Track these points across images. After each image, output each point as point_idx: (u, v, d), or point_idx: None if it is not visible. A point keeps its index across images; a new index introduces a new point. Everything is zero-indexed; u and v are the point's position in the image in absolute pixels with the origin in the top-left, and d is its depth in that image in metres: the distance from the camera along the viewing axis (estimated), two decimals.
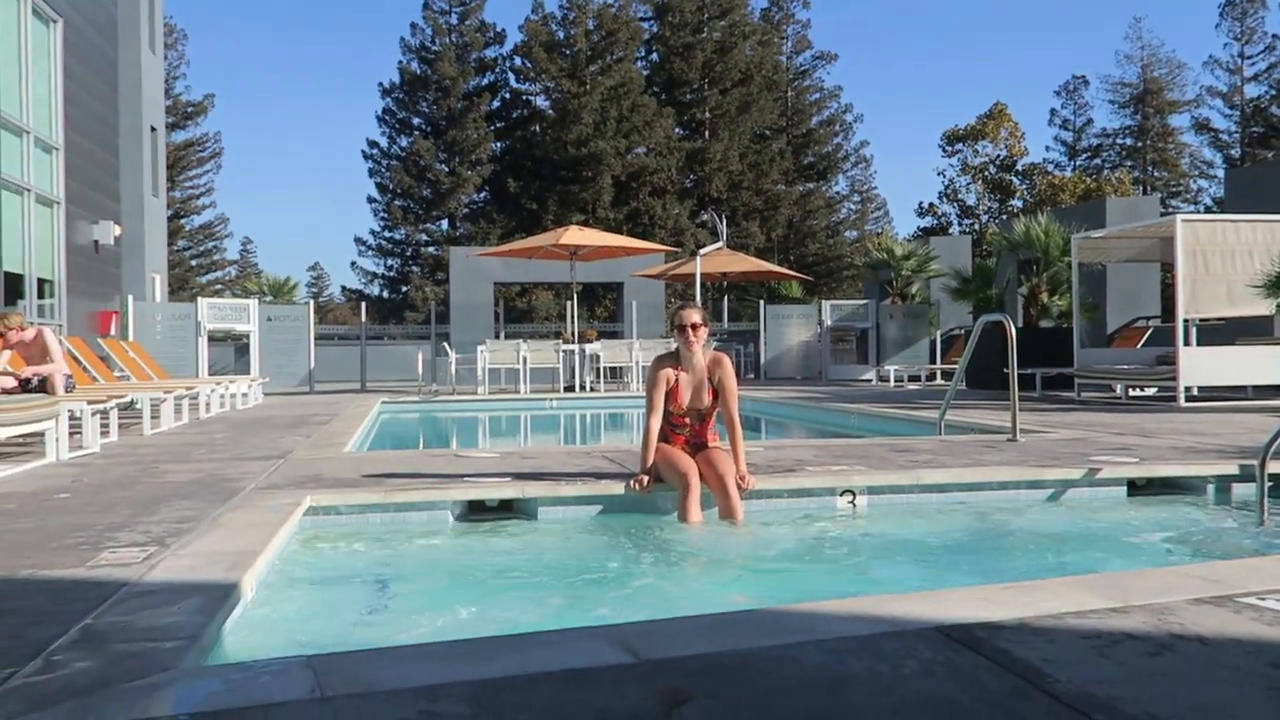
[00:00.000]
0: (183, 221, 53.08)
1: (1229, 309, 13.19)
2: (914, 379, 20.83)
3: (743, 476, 5.26)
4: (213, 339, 18.30)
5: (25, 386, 8.46)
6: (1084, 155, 62.06)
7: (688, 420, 5.53)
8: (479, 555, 4.80)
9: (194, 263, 54.62)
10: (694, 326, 5.43)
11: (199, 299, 18.12)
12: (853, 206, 58.51)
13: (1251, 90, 57.54)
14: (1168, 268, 18.98)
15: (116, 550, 3.84)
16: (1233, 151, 57.89)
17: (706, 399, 5.50)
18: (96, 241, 16.40)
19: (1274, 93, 56.68)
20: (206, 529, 4.28)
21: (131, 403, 9.69)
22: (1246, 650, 2.48)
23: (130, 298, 17.66)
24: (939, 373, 21.00)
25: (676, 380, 5.51)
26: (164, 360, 15.67)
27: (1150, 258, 16.98)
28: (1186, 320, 13.14)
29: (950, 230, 58.32)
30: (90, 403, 7.80)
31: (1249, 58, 57.46)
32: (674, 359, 5.55)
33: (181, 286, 49.40)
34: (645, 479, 5.32)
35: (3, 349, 8.69)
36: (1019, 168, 59.90)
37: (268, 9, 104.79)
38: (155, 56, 25.88)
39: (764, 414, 14.33)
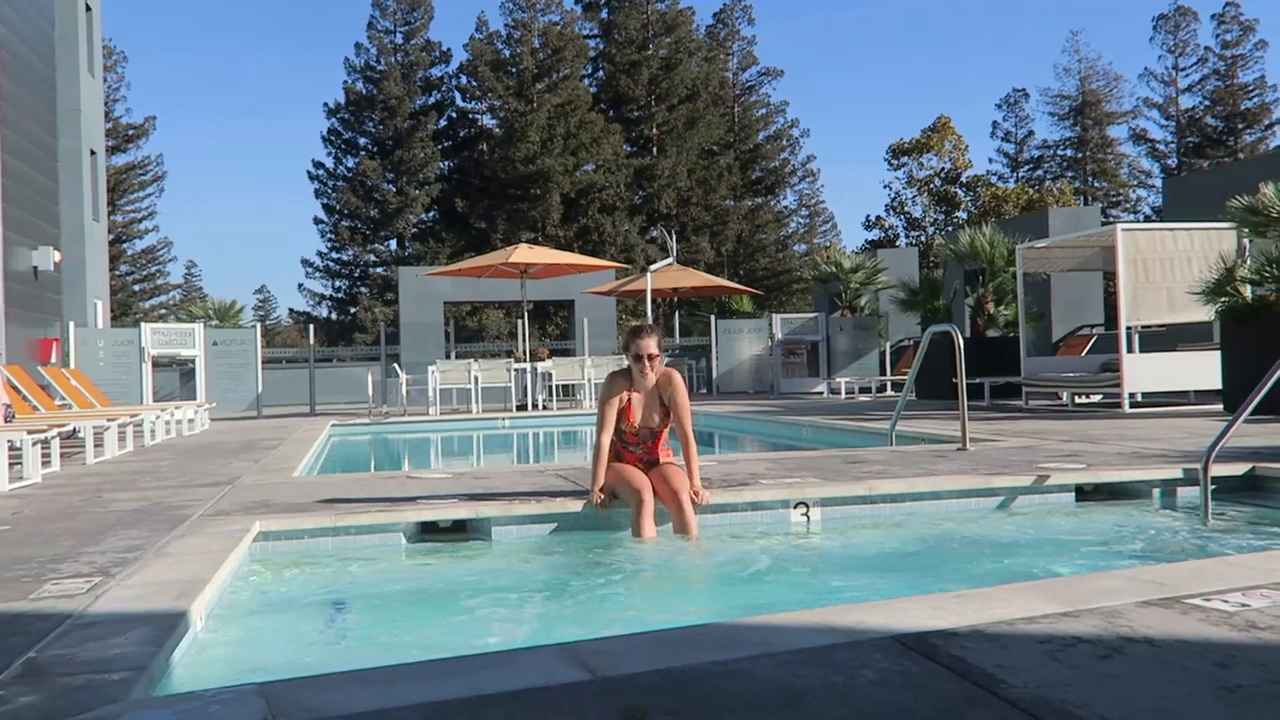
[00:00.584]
0: (125, 246, 52.30)
1: (1170, 316, 13.45)
2: (865, 390, 21.00)
3: (696, 491, 5.24)
4: (157, 364, 18.03)
5: None
6: (1026, 166, 63.14)
7: (639, 438, 5.50)
8: (432, 577, 4.76)
9: (137, 288, 53.82)
10: (650, 358, 5.38)
11: (142, 324, 17.84)
12: (801, 220, 59.06)
13: (1186, 101, 58.97)
14: (1110, 276, 19.31)
15: (60, 581, 3.76)
16: (1170, 161, 59.20)
17: (657, 418, 5.48)
18: (35, 268, 16.09)
19: (1208, 103, 58.06)
20: (153, 558, 4.21)
21: (74, 431, 9.51)
22: (1194, 651, 2.52)
23: (71, 324, 17.34)
24: (889, 384, 21.19)
25: (629, 400, 5.46)
26: (107, 387, 15.39)
27: (1093, 266, 17.28)
28: (1129, 327, 13.38)
29: (897, 242, 59.02)
30: (30, 432, 7.64)
31: (1183, 69, 58.89)
32: (628, 377, 5.49)
33: (124, 312, 48.63)
34: (600, 495, 5.28)
35: None
36: (963, 180, 60.79)
37: (209, 31, 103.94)
38: (94, 79, 25.52)
39: (717, 428, 14.36)
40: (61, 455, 8.86)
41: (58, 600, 3.45)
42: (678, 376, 5.52)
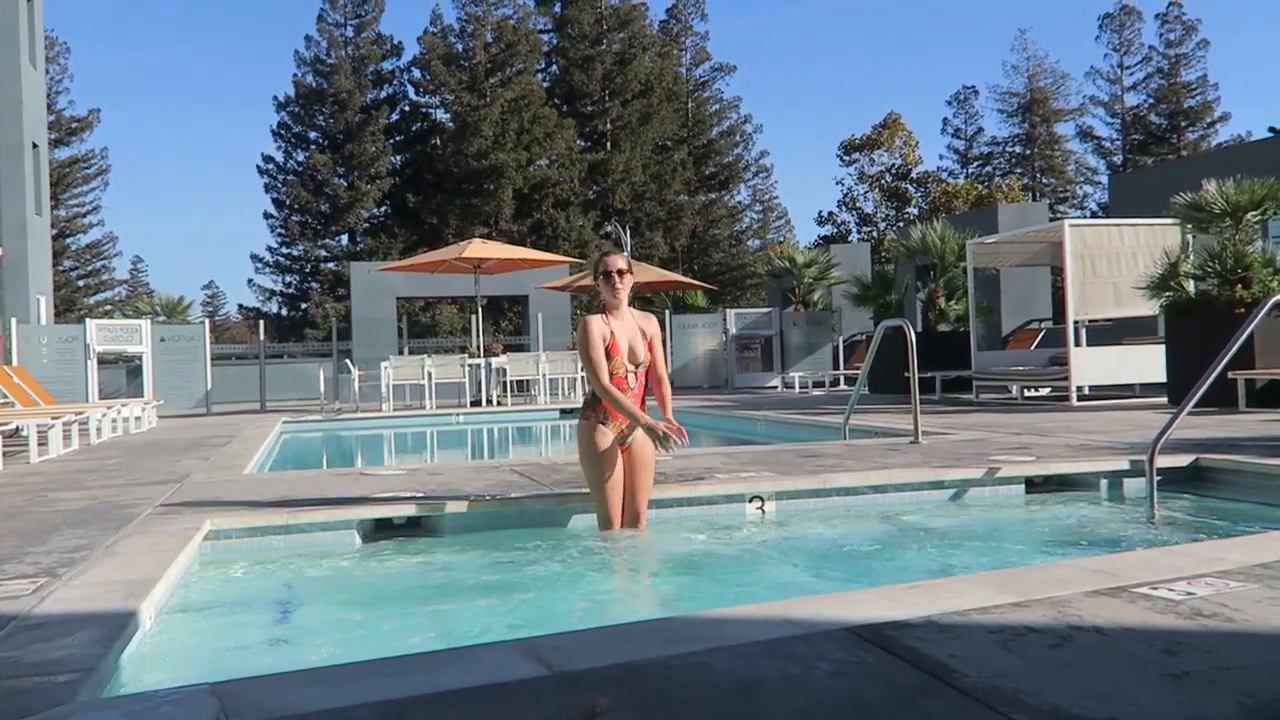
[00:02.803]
0: (68, 241, 51.38)
1: (1116, 310, 13.67)
2: (818, 385, 21.14)
3: (680, 431, 5.02)
4: (103, 361, 17.72)
5: None
6: (976, 163, 63.87)
7: (628, 381, 5.16)
8: (387, 574, 4.72)
9: (81, 283, 52.88)
10: (620, 272, 5.13)
11: (87, 320, 17.54)
12: (754, 216, 59.32)
13: (1131, 99, 59.93)
14: (1058, 271, 19.59)
15: (4, 583, 3.69)
16: (1115, 158, 60.17)
17: (643, 350, 5.21)
18: None
19: (1152, 101, 59.03)
20: (101, 557, 4.14)
21: (16, 430, 9.33)
22: (1141, 638, 2.57)
23: (13, 320, 16.99)
24: (842, 378, 21.36)
25: (611, 334, 5.13)
26: (51, 385, 15.11)
27: (1041, 261, 17.52)
28: (1076, 322, 13.58)
29: (850, 238, 59.45)
30: None
31: (1128, 68, 59.85)
32: (601, 312, 5.22)
33: (68, 308, 47.78)
34: (673, 426, 5.02)
35: None
36: (914, 176, 61.37)
37: (155, 22, 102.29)
38: (36, 70, 25.03)
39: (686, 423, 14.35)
40: (4, 454, 8.70)
41: (2, 601, 3.38)
42: (654, 317, 5.40)
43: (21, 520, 5.31)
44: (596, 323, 5.11)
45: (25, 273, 22.21)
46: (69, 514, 5.47)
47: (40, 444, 9.45)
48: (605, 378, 5.04)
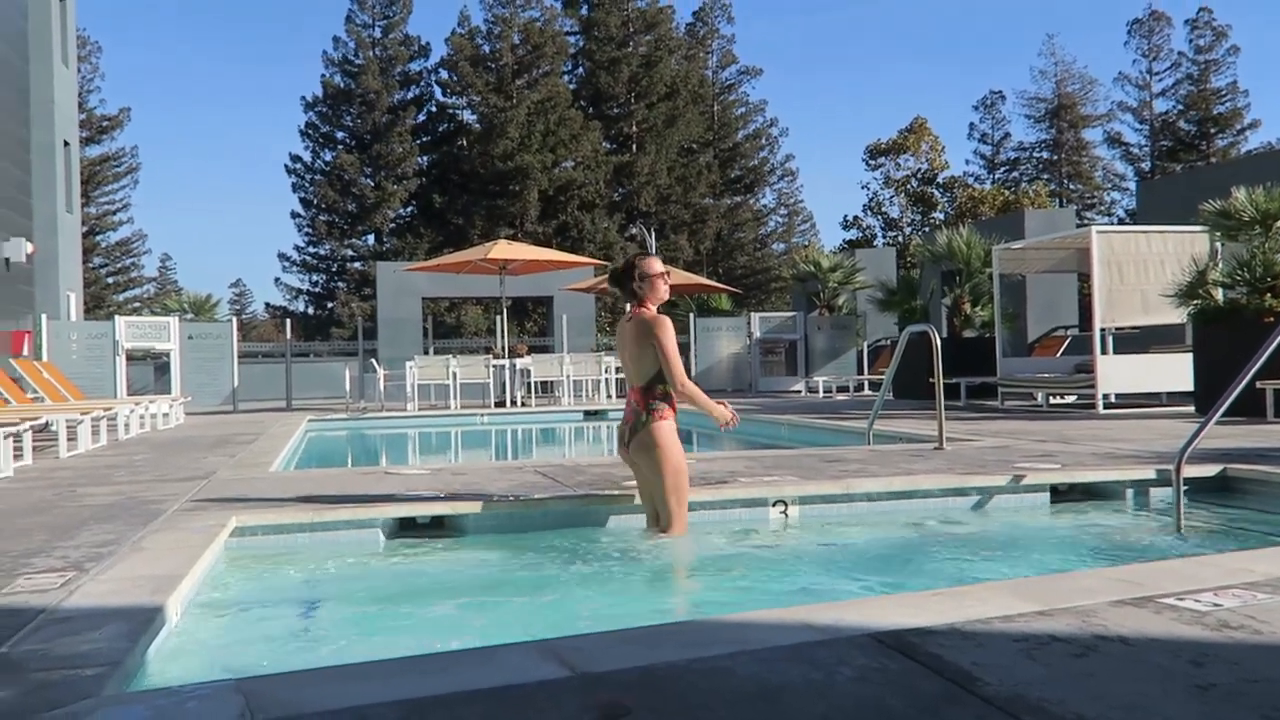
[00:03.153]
0: (98, 238, 51.86)
1: (1143, 318, 13.56)
2: (842, 390, 21.07)
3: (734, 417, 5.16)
4: (131, 358, 17.88)
5: None
6: (1002, 168, 63.52)
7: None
8: (410, 573, 4.74)
9: (111, 280, 53.35)
10: (666, 273, 5.21)
11: (116, 317, 17.69)
12: (780, 219, 59.21)
13: (1160, 105, 59.47)
14: (1084, 278, 19.45)
15: (33, 576, 3.73)
16: (1144, 164, 59.71)
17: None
18: (8, 259, 15.93)
19: (1181, 108, 58.56)
20: (128, 552, 4.18)
21: (46, 425, 9.43)
22: (1167, 649, 2.55)
23: (44, 317, 17.17)
24: (866, 383, 21.28)
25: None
26: (80, 380, 15.26)
27: (1068, 268, 17.40)
28: (1103, 329, 13.48)
29: (875, 242, 59.23)
30: (2, 426, 7.56)
31: (1157, 74, 59.38)
32: (634, 313, 5.21)
33: (98, 305, 48.22)
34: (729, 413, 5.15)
35: None
36: (940, 181, 61.07)
37: (185, 22, 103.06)
38: (68, 69, 25.29)
39: (695, 426, 14.36)
40: (34, 448, 8.79)
41: (30, 595, 3.42)
42: None
43: (50, 515, 5.37)
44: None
45: (56, 269, 22.43)
46: (97, 509, 5.52)
47: (69, 439, 9.54)
48: (684, 374, 5.06)
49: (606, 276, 5.37)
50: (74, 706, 2.30)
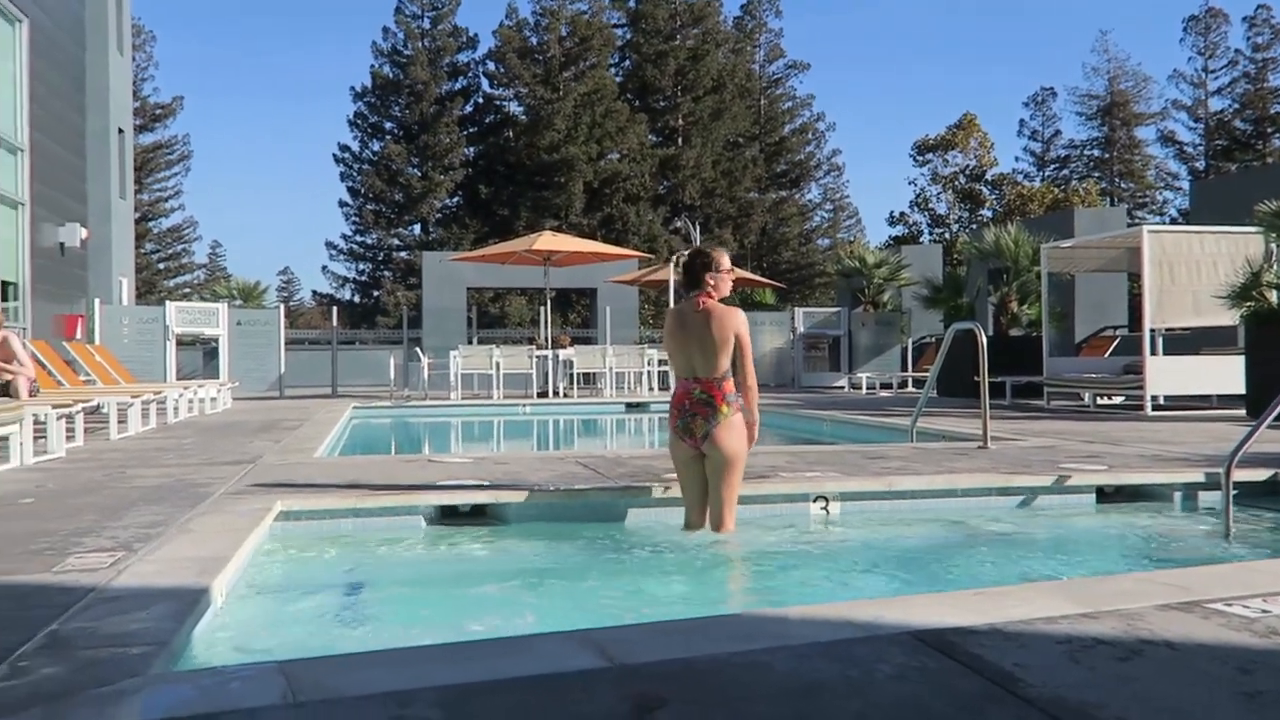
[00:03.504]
0: (150, 224, 52.58)
1: (1194, 319, 13.34)
2: (886, 386, 20.93)
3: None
4: (181, 343, 18.14)
5: None
6: (1052, 166, 62.68)
7: None
8: (450, 560, 4.78)
9: (162, 266, 54.10)
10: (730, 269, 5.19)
11: (167, 302, 17.96)
12: (825, 214, 58.82)
13: (1215, 104, 58.39)
14: (1135, 278, 19.19)
15: (83, 556, 3.80)
16: (1198, 164, 58.69)
17: None
18: (62, 244, 16.21)
19: (1237, 106, 57.48)
20: (175, 534, 4.24)
21: (97, 407, 9.59)
22: (1214, 655, 2.51)
23: (97, 301, 17.46)
24: (910, 380, 21.12)
25: None
26: (131, 364, 15.50)
27: (1118, 268, 17.15)
28: (1153, 330, 13.28)
29: (921, 239, 58.71)
30: (55, 407, 7.71)
31: (1212, 72, 58.29)
32: (695, 305, 5.08)
33: (149, 290, 48.92)
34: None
35: None
36: (988, 178, 60.42)
37: (237, 12, 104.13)
38: (123, 58, 25.65)
39: None
40: (85, 430, 8.94)
41: (80, 574, 3.48)
42: None
43: (101, 495, 5.46)
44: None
45: (109, 255, 22.77)
46: (146, 490, 5.61)
47: (120, 421, 9.70)
48: None
49: (679, 261, 5.28)
50: (121, 684, 2.34)
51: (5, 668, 2.45)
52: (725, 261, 5.11)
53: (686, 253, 5.25)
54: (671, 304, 19.67)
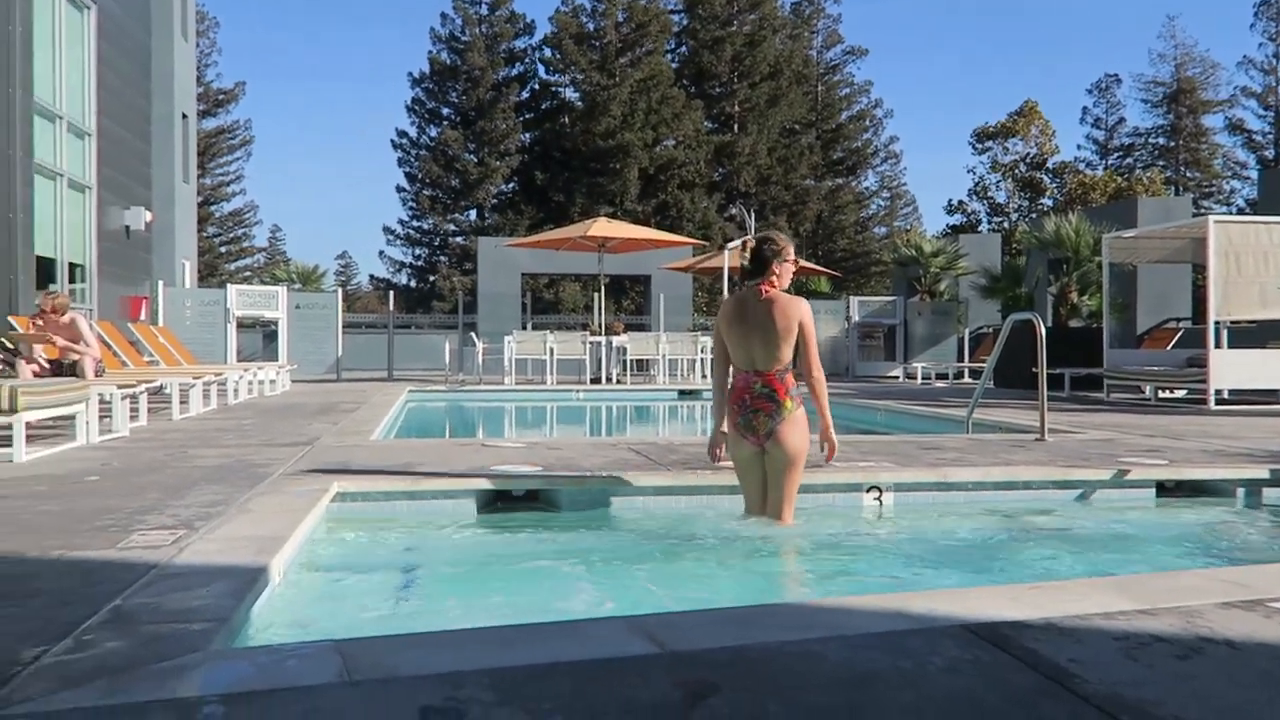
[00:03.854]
0: (212, 208, 53.42)
1: (1261, 311, 13.04)
2: (941, 377, 20.73)
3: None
4: (241, 325, 18.44)
5: (57, 370, 8.56)
6: (1116, 154, 61.52)
7: None
8: (503, 544, 4.82)
9: (223, 249, 54.98)
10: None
11: (228, 285, 18.26)
12: (882, 202, 58.25)
13: None
14: (1199, 269, 18.78)
15: (146, 533, 3.88)
16: (1267, 153, 57.26)
17: None
18: (128, 227, 16.53)
19: None
20: (235, 514, 4.32)
21: (160, 387, 9.78)
22: (1275, 655, 2.46)
23: (160, 283, 17.81)
24: (967, 371, 20.90)
25: None
26: (193, 346, 15.79)
27: (1182, 259, 16.81)
28: (1218, 322, 13.01)
29: (979, 228, 57.95)
30: (120, 387, 7.87)
31: None
32: (756, 295, 4.92)
33: (211, 273, 49.74)
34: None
35: (34, 327, 8.79)
36: (1050, 166, 59.45)
37: None
38: (187, 44, 26.05)
39: None
40: (149, 410, 9.12)
41: (144, 551, 3.56)
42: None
43: (163, 474, 5.58)
44: None
45: (172, 238, 23.20)
46: (207, 470, 5.72)
47: (182, 402, 9.88)
48: None
49: (746, 246, 5.07)
50: (182, 659, 2.39)
51: (71, 641, 2.51)
52: (791, 251, 4.98)
53: (754, 238, 5.08)
54: (726, 292, 19.65)
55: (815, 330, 4.90)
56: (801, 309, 4.86)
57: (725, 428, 5.00)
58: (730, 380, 4.98)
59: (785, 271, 4.94)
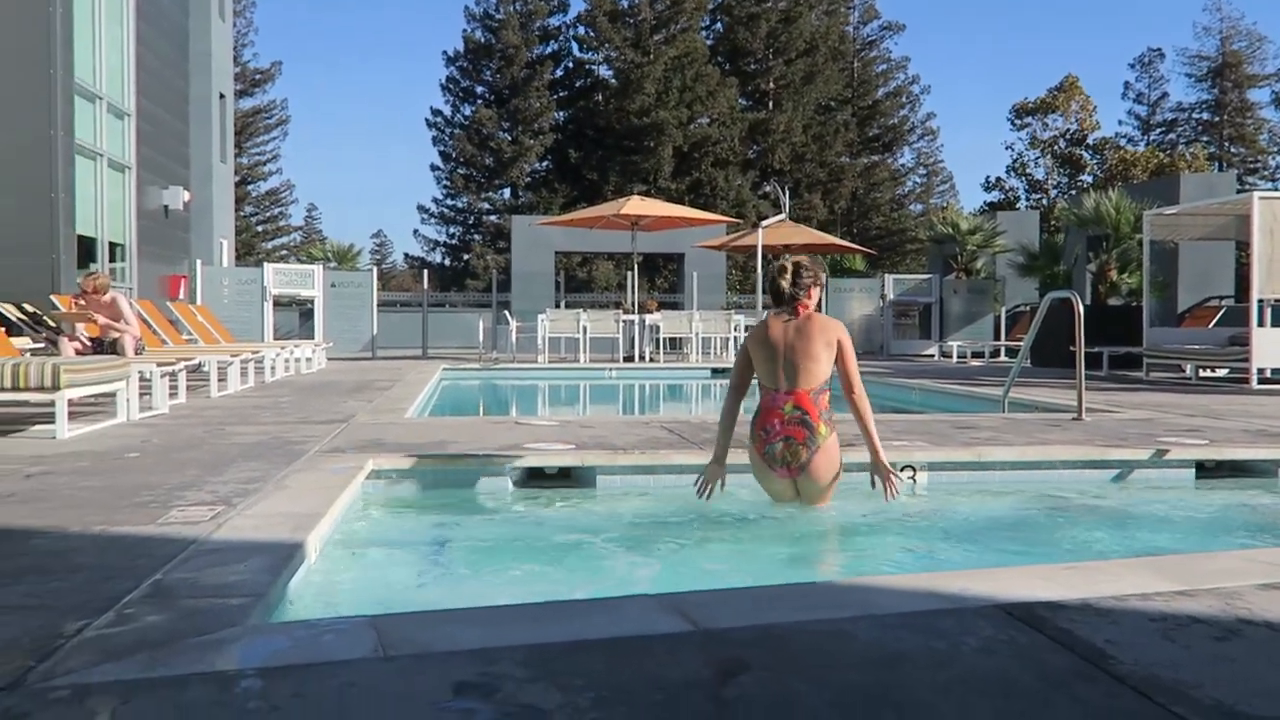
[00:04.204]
0: (249, 188, 53.79)
1: None
2: (977, 355, 20.57)
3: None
4: (278, 304, 18.59)
5: (97, 348, 8.67)
6: (1158, 130, 60.57)
7: None
8: (537, 521, 4.84)
9: (260, 228, 55.38)
10: None
11: (265, 264, 18.41)
12: (918, 180, 57.71)
13: None
14: (1243, 246, 18.48)
15: (185, 509, 3.93)
16: None
17: None
18: (166, 207, 16.70)
19: None
20: (272, 490, 4.36)
21: (199, 365, 9.88)
22: None
23: (198, 262, 17.97)
24: (1003, 349, 20.73)
25: None
26: (230, 324, 15.95)
27: (1225, 236, 16.55)
28: (1261, 300, 12.80)
29: (1018, 205, 57.29)
30: (159, 365, 7.97)
31: None
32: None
33: (248, 252, 50.13)
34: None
35: (76, 306, 8.90)
36: (1090, 142, 58.62)
37: None
38: (224, 24, 26.19)
39: None
40: (187, 388, 9.22)
41: (183, 526, 3.61)
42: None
43: (202, 451, 5.64)
44: None
45: (210, 217, 23.41)
46: (244, 447, 5.78)
47: (220, 380, 9.99)
48: None
49: (793, 267, 4.87)
50: (220, 633, 2.42)
51: (112, 615, 2.55)
52: (822, 277, 4.85)
53: (789, 264, 4.83)
54: (759, 270, 19.57)
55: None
56: (839, 328, 4.74)
57: (721, 461, 4.82)
58: (757, 403, 4.79)
59: (815, 296, 4.82)
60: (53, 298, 10.50)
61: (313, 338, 17.70)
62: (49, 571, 3.00)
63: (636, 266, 20.07)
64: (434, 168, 52.67)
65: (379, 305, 19.94)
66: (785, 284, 4.76)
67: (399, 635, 2.39)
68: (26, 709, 1.95)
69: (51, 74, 12.35)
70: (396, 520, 4.74)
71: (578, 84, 52.58)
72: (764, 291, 5.04)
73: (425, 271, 24.16)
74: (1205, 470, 5.89)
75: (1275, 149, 58.82)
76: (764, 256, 17.18)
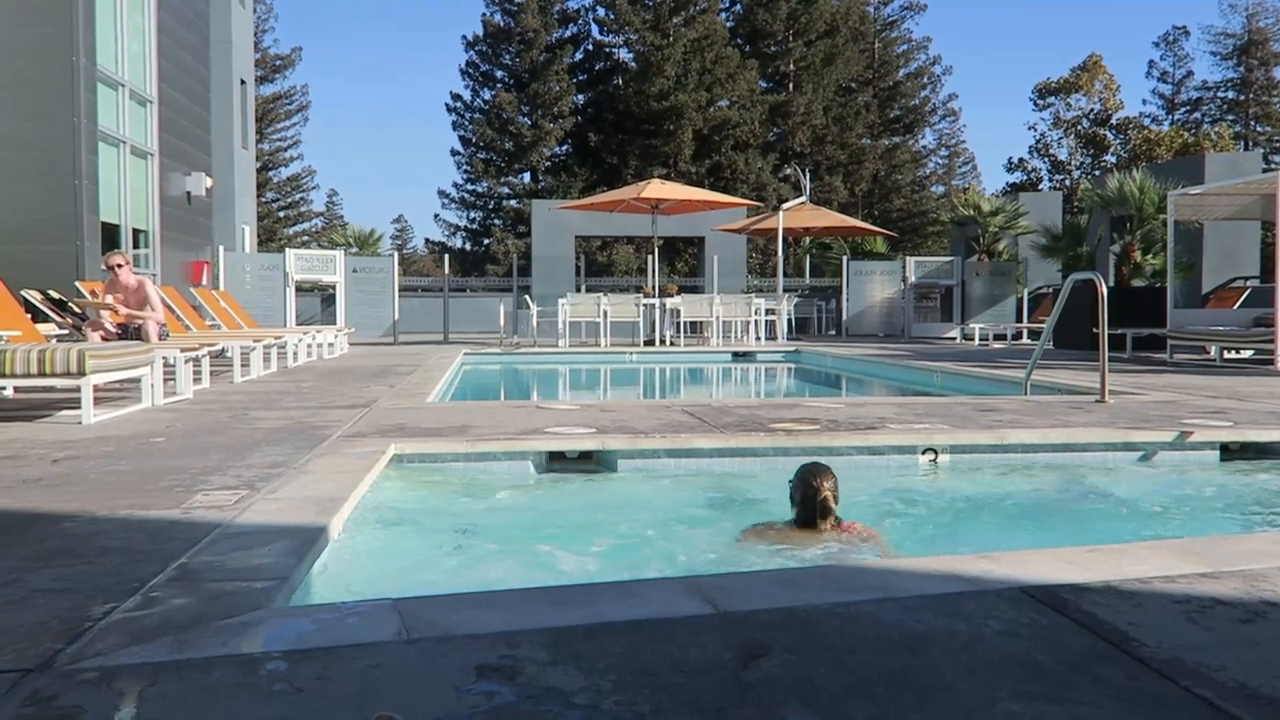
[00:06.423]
0: (270, 174, 53.95)
1: None
2: (999, 338, 20.46)
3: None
4: (300, 289, 18.67)
5: (122, 334, 8.74)
6: (1183, 109, 59.94)
7: None
8: (559, 505, 4.85)
9: (282, 214, 55.57)
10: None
11: (287, 250, 18.47)
12: (939, 161, 57.35)
13: None
14: (1269, 226, 18.31)
15: (209, 493, 3.96)
16: None
17: None
18: (189, 193, 16.77)
19: None
20: (295, 474, 4.39)
21: (223, 351, 9.95)
22: None
23: (221, 248, 18.06)
24: (1025, 332, 20.60)
25: None
26: (253, 310, 16.03)
27: (1250, 215, 16.37)
28: None
29: (1040, 186, 56.87)
30: (184, 350, 8.02)
31: None
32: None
33: (270, 238, 50.34)
34: None
35: (105, 292, 8.97)
36: (1114, 122, 58.08)
37: None
38: (245, 10, 26.22)
39: (845, 371, 14.21)
40: (211, 373, 9.28)
41: (207, 510, 3.64)
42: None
43: (225, 435, 5.68)
44: None
45: (232, 204, 23.49)
46: (267, 432, 5.82)
47: (243, 365, 10.04)
48: None
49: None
50: (246, 616, 2.44)
51: (139, 598, 2.58)
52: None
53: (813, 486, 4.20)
54: (779, 253, 19.52)
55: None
56: None
57: None
58: None
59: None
60: (78, 284, 10.58)
61: (334, 323, 17.76)
62: (76, 555, 3.03)
63: (657, 250, 20.03)
64: (454, 152, 52.70)
65: (400, 290, 19.99)
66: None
67: (422, 618, 2.41)
68: (55, 691, 1.98)
69: (74, 62, 12.41)
70: (419, 504, 4.76)
71: (597, 67, 52.44)
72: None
73: (446, 256, 24.17)
74: (1230, 452, 5.85)
75: None
76: (785, 240, 17.12)
